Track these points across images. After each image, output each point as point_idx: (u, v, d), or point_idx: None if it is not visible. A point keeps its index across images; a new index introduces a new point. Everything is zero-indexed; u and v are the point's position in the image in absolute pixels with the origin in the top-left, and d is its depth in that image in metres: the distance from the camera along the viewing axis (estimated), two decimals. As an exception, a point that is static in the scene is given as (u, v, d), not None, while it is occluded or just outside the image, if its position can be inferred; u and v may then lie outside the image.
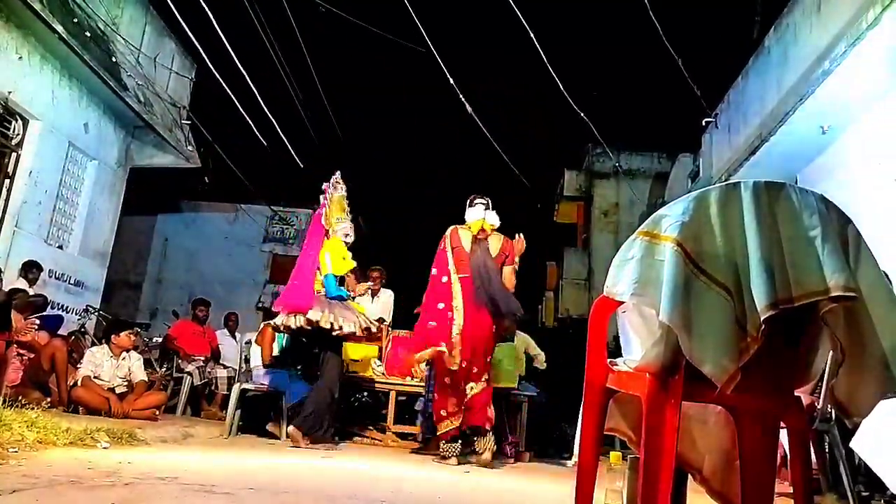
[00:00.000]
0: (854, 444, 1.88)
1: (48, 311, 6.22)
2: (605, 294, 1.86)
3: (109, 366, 5.54)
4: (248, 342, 6.06)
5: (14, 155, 6.95)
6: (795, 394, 1.92)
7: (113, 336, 5.62)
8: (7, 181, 6.90)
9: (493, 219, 4.80)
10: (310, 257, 4.93)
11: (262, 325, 6.24)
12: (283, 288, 11.97)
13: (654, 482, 1.70)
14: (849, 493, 2.93)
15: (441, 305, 4.60)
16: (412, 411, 7.25)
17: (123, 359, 5.62)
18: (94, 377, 5.43)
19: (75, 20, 6.92)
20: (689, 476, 2.20)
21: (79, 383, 5.32)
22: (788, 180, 1.92)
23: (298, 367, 6.51)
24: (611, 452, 2.49)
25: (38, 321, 5.47)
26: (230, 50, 6.85)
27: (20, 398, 3.89)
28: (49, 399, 5.15)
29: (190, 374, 6.73)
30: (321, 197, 5.21)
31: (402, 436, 6.07)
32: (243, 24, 7.95)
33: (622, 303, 1.91)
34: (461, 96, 7.57)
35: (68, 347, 5.72)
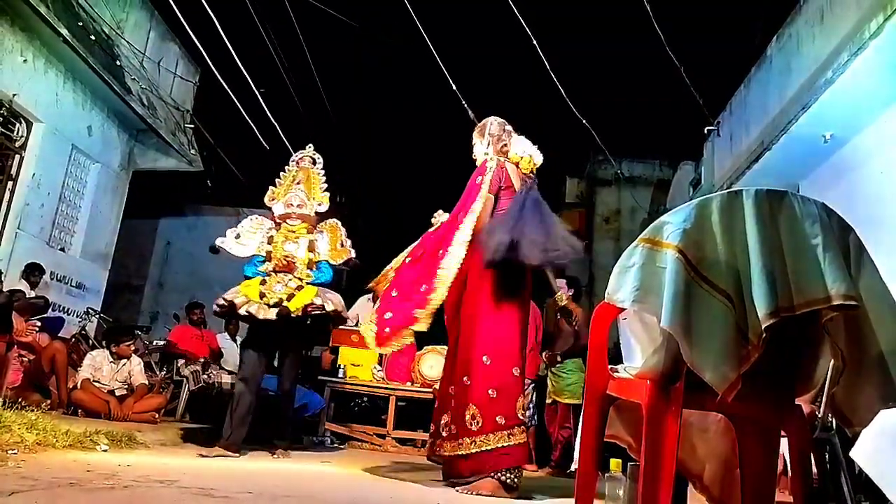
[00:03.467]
0: (854, 453, 1.87)
1: (49, 314, 6.23)
2: (606, 301, 1.87)
3: (109, 369, 5.56)
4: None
5: (17, 157, 6.97)
6: (796, 402, 1.92)
7: (113, 346, 5.65)
8: (10, 183, 6.92)
9: (538, 156, 3.57)
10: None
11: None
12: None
13: (655, 490, 1.69)
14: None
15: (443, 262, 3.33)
16: (412, 416, 7.24)
17: (124, 364, 5.64)
18: (94, 380, 5.44)
19: (80, 24, 6.95)
20: (690, 484, 2.20)
21: (78, 386, 5.32)
22: (790, 189, 1.93)
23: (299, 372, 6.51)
24: (611, 460, 2.49)
25: (38, 323, 5.48)
26: (234, 54, 6.88)
27: (20, 400, 3.89)
28: (49, 401, 5.15)
29: (186, 377, 6.71)
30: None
31: (402, 441, 6.06)
32: (247, 28, 7.98)
33: (623, 310, 1.91)
34: (464, 102, 7.60)
35: (69, 350, 5.73)
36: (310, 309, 4.05)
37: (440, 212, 3.72)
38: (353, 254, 4.38)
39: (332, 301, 4.18)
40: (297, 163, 4.60)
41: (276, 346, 4.28)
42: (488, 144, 3.56)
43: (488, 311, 3.24)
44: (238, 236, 4.35)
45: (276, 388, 4.47)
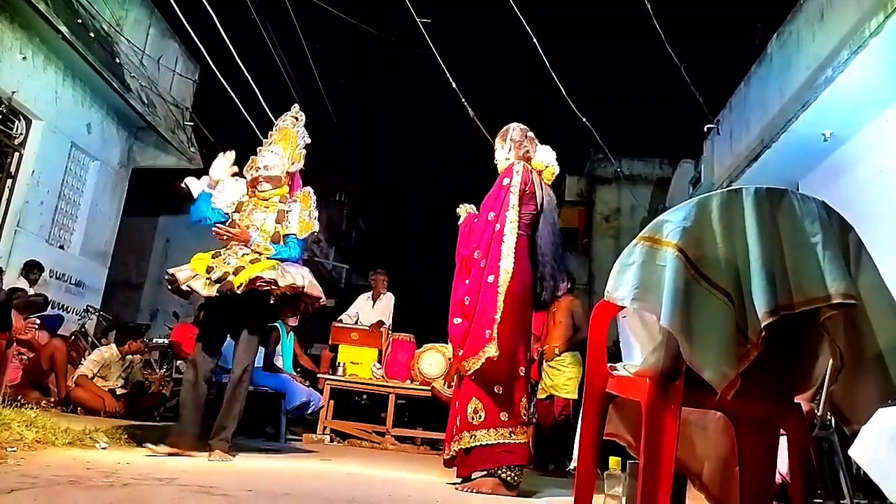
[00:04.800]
0: (853, 451, 1.87)
1: (48, 311, 6.23)
2: (605, 299, 1.86)
3: (118, 367, 5.60)
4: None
5: (17, 155, 6.97)
6: (795, 400, 1.92)
7: (129, 343, 5.69)
8: (9, 181, 6.92)
9: (557, 168, 3.63)
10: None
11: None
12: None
13: (654, 488, 1.69)
14: (848, 502, 2.93)
15: (491, 278, 3.21)
16: (412, 414, 7.25)
17: (129, 362, 5.69)
18: (101, 377, 5.48)
19: (79, 21, 6.94)
20: (689, 482, 2.20)
21: (75, 383, 5.34)
22: (790, 187, 1.93)
23: (298, 369, 6.52)
24: (610, 458, 2.49)
25: (38, 321, 5.48)
26: (233, 52, 6.87)
27: (20, 397, 3.89)
28: (48, 399, 5.16)
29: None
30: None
31: (402, 439, 6.07)
32: (246, 26, 7.98)
33: (623, 308, 1.91)
34: (464, 100, 7.59)
35: (68, 348, 5.75)
36: (258, 284, 3.39)
37: (463, 205, 3.71)
38: (316, 227, 3.85)
39: (292, 274, 3.54)
40: (280, 123, 4.11)
41: (232, 328, 3.62)
42: (509, 150, 3.55)
43: (504, 311, 3.19)
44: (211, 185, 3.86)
45: (225, 374, 3.76)
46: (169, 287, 3.60)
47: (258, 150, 4.00)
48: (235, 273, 3.41)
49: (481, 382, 3.13)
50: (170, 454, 3.26)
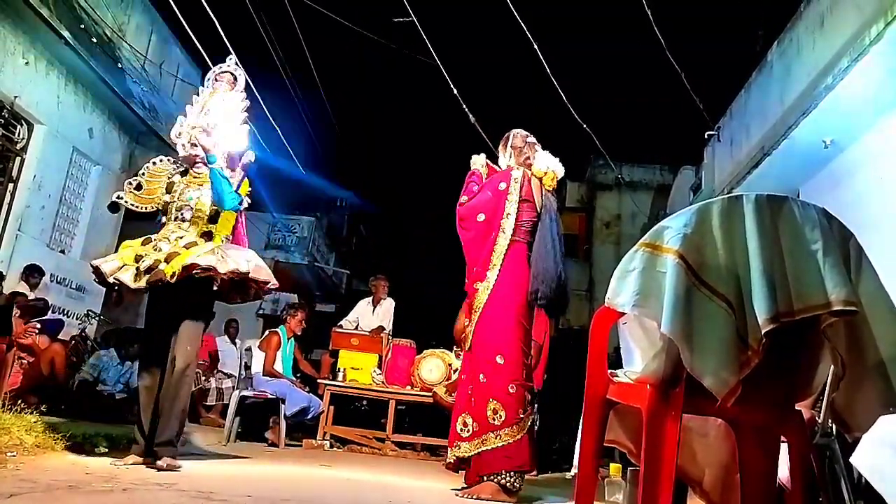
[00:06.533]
0: (854, 459, 1.87)
1: (49, 316, 6.23)
2: (606, 305, 1.86)
3: (115, 372, 5.59)
4: (248, 349, 6.06)
5: (18, 159, 6.98)
6: (796, 407, 1.92)
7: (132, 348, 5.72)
8: (11, 185, 6.93)
9: (560, 170, 3.61)
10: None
11: (267, 332, 6.24)
12: (284, 296, 11.88)
13: (654, 495, 1.69)
14: (849, 509, 2.92)
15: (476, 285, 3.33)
16: (411, 420, 7.23)
17: (128, 367, 5.69)
18: (101, 382, 5.48)
19: (82, 26, 6.96)
20: (689, 489, 2.20)
21: (76, 388, 5.35)
22: (790, 194, 1.93)
23: (298, 375, 6.52)
24: (610, 464, 2.49)
25: (38, 325, 5.48)
26: (235, 57, 6.88)
27: (19, 402, 3.89)
28: (48, 404, 5.15)
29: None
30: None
31: (402, 445, 6.06)
32: (248, 32, 8.00)
33: (623, 314, 1.91)
34: (465, 106, 7.61)
35: (68, 352, 5.74)
36: (194, 272, 2.98)
37: (479, 157, 3.70)
38: (252, 157, 3.51)
39: (234, 259, 3.13)
40: (214, 82, 3.59)
41: (174, 321, 3.16)
42: (510, 156, 3.58)
43: (504, 316, 3.26)
44: (139, 187, 3.39)
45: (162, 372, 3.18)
46: (96, 280, 3.24)
47: (188, 107, 3.53)
48: (168, 260, 3.02)
49: (494, 385, 3.16)
50: (134, 463, 2.99)
